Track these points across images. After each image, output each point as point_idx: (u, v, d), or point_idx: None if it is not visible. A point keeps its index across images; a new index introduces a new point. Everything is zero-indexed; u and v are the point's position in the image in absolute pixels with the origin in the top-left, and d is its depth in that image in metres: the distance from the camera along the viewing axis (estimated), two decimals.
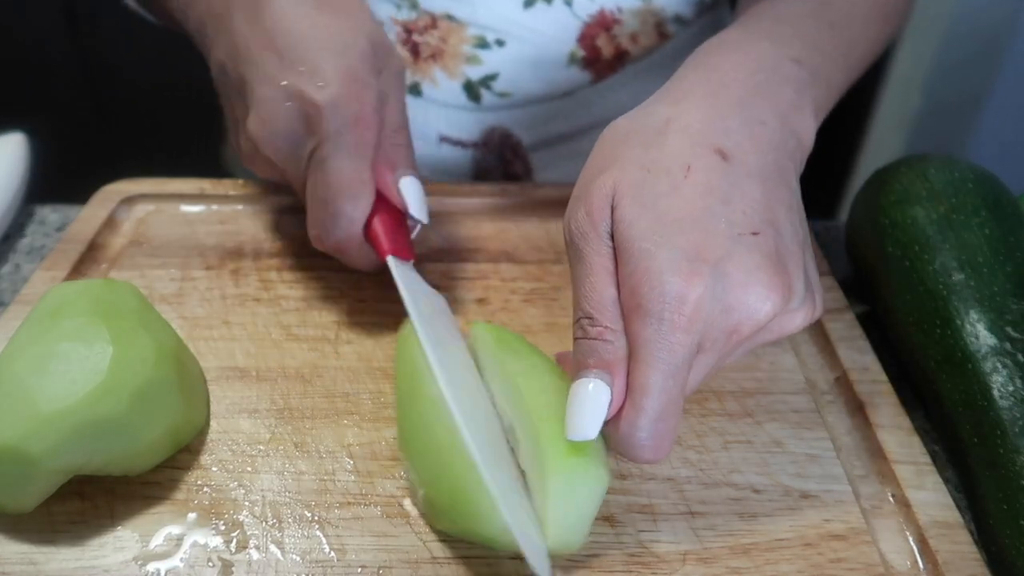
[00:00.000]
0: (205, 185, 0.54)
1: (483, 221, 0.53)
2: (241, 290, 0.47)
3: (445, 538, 0.35)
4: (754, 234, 0.32)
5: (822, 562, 0.34)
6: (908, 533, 0.36)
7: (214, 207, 0.53)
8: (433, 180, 0.62)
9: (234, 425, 0.39)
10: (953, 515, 0.36)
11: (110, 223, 0.51)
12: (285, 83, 0.39)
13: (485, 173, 0.62)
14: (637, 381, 0.31)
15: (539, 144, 0.62)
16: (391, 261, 0.42)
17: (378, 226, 0.42)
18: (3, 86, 1.27)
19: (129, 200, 0.53)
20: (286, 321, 0.45)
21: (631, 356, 0.31)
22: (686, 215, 0.32)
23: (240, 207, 0.53)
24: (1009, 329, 0.40)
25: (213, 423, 0.39)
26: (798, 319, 0.33)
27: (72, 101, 1.51)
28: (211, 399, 0.40)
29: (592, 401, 0.31)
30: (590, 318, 0.32)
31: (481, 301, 0.47)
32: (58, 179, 0.64)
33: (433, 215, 0.53)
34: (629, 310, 0.32)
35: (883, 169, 0.49)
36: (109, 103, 1.53)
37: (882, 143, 1.36)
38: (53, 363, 0.33)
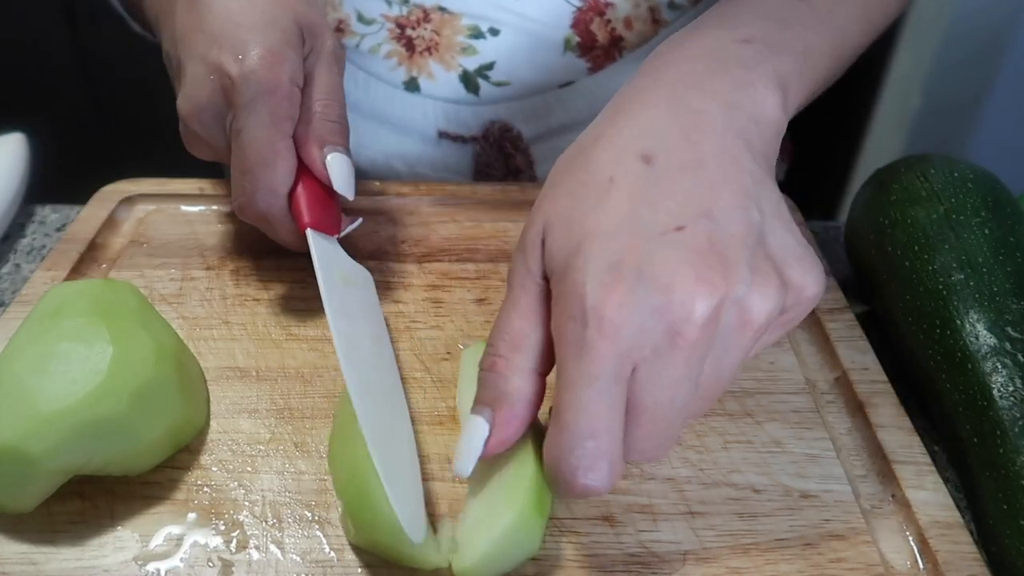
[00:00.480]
0: (205, 185, 0.54)
1: (483, 221, 0.53)
2: (241, 290, 0.47)
3: None
4: (678, 229, 0.30)
5: (822, 562, 0.34)
6: (908, 533, 0.36)
7: (214, 207, 0.53)
8: (434, 177, 0.62)
9: (234, 425, 0.39)
10: (953, 515, 0.36)
11: (110, 223, 0.51)
12: (209, 59, 0.41)
13: (486, 167, 0.62)
14: (560, 400, 0.29)
15: (540, 136, 0.62)
16: (310, 234, 0.42)
17: (301, 199, 0.43)
18: (3, 86, 1.27)
19: (129, 200, 0.53)
20: (286, 321, 0.45)
21: (558, 380, 0.30)
22: (610, 227, 0.31)
23: None
24: (1009, 329, 0.40)
25: (213, 423, 0.39)
26: (757, 302, 0.30)
27: (72, 101, 1.51)
28: (211, 399, 0.40)
29: (469, 438, 0.31)
30: (492, 345, 0.32)
31: (481, 301, 0.47)
32: (58, 179, 0.64)
33: (433, 216, 0.53)
34: (556, 334, 0.30)
35: (883, 169, 0.50)
36: (109, 103, 1.53)
37: (882, 143, 1.36)
38: (53, 363, 0.33)
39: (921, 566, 0.35)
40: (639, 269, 0.29)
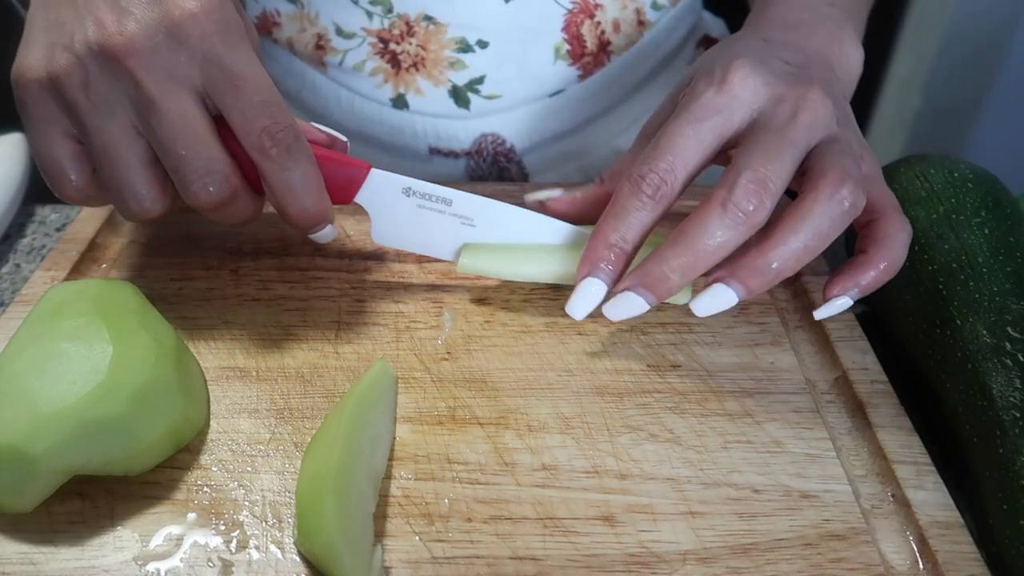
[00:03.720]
0: None
1: None
2: (241, 290, 0.47)
3: (445, 539, 0.35)
4: (797, 67, 0.40)
5: (822, 562, 0.34)
6: (908, 533, 0.36)
7: None
8: None
9: (234, 425, 0.39)
10: (953, 515, 0.36)
11: (110, 223, 0.51)
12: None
13: (480, 181, 0.62)
14: (661, 131, 0.38)
15: (532, 147, 0.62)
16: (376, 172, 0.43)
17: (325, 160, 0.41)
18: (3, 86, 1.27)
19: None
20: (286, 321, 0.45)
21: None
22: (734, 50, 0.40)
23: None
24: (1009, 329, 0.39)
25: (213, 423, 0.39)
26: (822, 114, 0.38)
27: None
28: (211, 399, 0.40)
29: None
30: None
31: (481, 301, 0.47)
32: None
33: None
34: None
35: (883, 169, 0.49)
36: None
37: (882, 143, 1.36)
38: (53, 363, 0.34)
39: (921, 566, 0.35)
40: (761, 59, 0.39)
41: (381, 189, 0.43)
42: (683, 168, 0.37)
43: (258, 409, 0.40)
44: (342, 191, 0.42)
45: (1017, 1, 1.16)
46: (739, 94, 0.37)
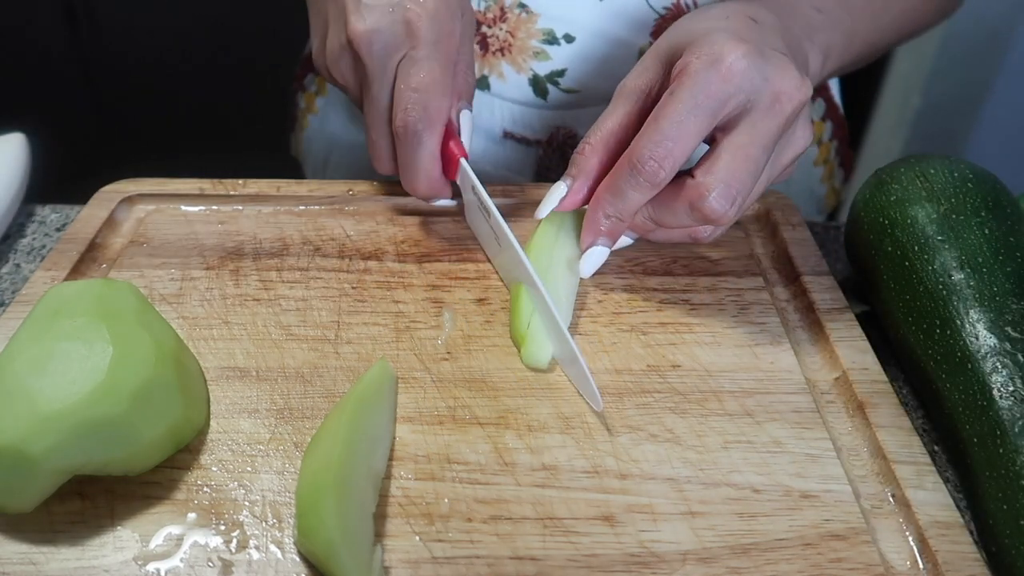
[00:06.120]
0: (205, 185, 0.54)
1: None
2: (241, 290, 0.47)
3: (445, 539, 0.35)
4: (783, 54, 0.41)
5: (822, 562, 0.34)
6: (908, 533, 0.36)
7: (214, 207, 0.53)
8: (495, 176, 0.63)
9: (234, 425, 0.39)
10: (953, 515, 0.36)
11: (110, 223, 0.51)
12: None
13: (547, 171, 0.63)
14: (661, 111, 0.39)
15: None
16: (464, 163, 0.47)
17: (450, 137, 0.47)
18: (3, 86, 1.27)
19: (129, 200, 0.53)
20: (286, 321, 0.45)
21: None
22: (727, 26, 0.41)
23: (240, 207, 0.53)
24: (1009, 329, 0.40)
25: (213, 423, 0.39)
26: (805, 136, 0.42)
27: (72, 101, 1.52)
28: (211, 399, 0.40)
29: (551, 194, 0.44)
30: (587, 138, 0.43)
31: (481, 301, 0.47)
32: (58, 179, 0.64)
33: (433, 216, 0.53)
34: (681, 72, 0.39)
35: (883, 169, 0.49)
36: (109, 103, 1.53)
37: (882, 143, 1.36)
38: (53, 363, 0.33)
39: (921, 566, 0.35)
40: (759, 47, 0.40)
41: (463, 178, 0.48)
42: (680, 153, 0.39)
43: (258, 409, 0.40)
44: (448, 167, 0.48)
45: (1017, 1, 1.16)
46: (740, 83, 0.39)
